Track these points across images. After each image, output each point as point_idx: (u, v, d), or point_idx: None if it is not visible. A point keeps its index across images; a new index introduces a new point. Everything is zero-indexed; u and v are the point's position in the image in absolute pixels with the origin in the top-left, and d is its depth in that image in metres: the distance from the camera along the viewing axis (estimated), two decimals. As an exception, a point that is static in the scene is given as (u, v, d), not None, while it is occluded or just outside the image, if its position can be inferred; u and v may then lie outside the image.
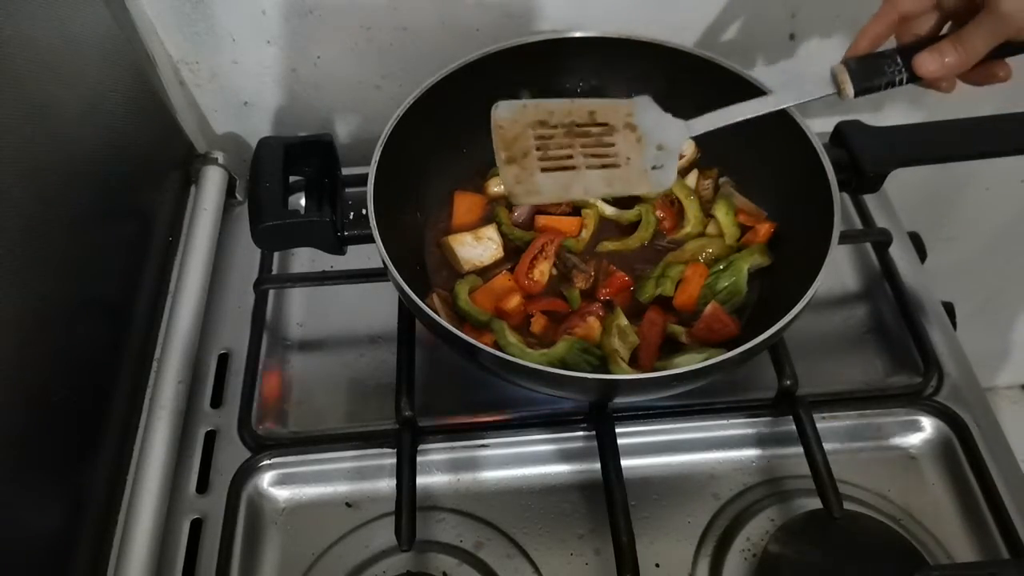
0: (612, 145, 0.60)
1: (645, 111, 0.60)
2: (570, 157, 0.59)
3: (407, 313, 0.73)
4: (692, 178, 0.76)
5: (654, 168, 0.59)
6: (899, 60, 0.56)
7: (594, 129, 0.60)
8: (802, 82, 0.59)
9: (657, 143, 0.60)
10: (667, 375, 0.58)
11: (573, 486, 0.69)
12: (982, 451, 0.68)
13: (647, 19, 0.84)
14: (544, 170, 0.59)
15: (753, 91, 0.68)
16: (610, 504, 0.63)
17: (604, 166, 0.59)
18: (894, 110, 0.97)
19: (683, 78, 0.72)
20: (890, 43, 0.59)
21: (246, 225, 0.66)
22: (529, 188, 0.59)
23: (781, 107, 0.60)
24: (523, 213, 0.76)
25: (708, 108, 0.60)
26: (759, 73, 0.87)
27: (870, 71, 0.57)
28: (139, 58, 0.82)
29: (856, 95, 0.57)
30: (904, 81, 0.57)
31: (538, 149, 0.59)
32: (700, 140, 0.72)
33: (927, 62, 0.55)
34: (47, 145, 0.64)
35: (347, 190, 0.70)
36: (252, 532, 0.67)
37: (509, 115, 0.61)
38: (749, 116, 0.60)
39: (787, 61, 0.92)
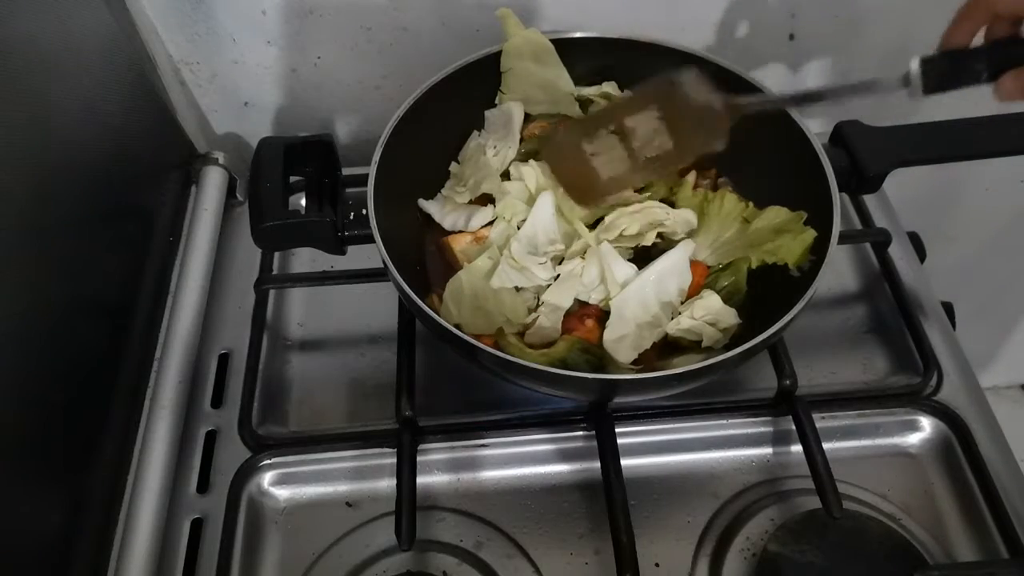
0: (659, 133, 0.64)
1: (691, 86, 0.62)
2: (626, 155, 0.65)
3: (407, 313, 0.73)
4: (690, 178, 0.76)
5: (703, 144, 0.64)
6: (981, 71, 0.53)
7: (643, 121, 0.64)
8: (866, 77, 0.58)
9: (706, 121, 0.62)
10: (667, 375, 0.58)
11: (573, 486, 0.69)
12: (981, 451, 0.68)
13: (647, 19, 0.84)
14: (605, 175, 0.66)
15: (754, 92, 0.68)
16: (610, 504, 0.63)
17: (657, 154, 0.64)
18: (894, 110, 0.97)
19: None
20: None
21: (246, 225, 0.66)
22: (594, 196, 0.68)
23: (828, 99, 0.61)
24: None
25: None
26: (759, 73, 0.88)
27: (947, 74, 0.54)
28: (139, 58, 0.82)
29: (926, 95, 0.55)
30: (981, 83, 0.54)
31: (593, 156, 0.66)
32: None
33: (1010, 91, 0.52)
34: (47, 145, 0.64)
35: (347, 190, 0.70)
36: (252, 532, 0.67)
37: (558, 152, 0.68)
38: (791, 105, 0.65)
39: (787, 61, 0.92)
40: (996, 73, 0.53)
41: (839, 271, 0.83)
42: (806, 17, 0.88)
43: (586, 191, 0.68)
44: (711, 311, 0.66)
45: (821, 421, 0.69)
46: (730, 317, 0.67)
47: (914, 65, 0.55)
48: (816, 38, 0.90)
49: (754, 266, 0.68)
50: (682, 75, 0.63)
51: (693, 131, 0.63)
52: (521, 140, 0.76)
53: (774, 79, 0.92)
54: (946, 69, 0.54)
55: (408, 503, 0.63)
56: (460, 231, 0.73)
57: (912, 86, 0.55)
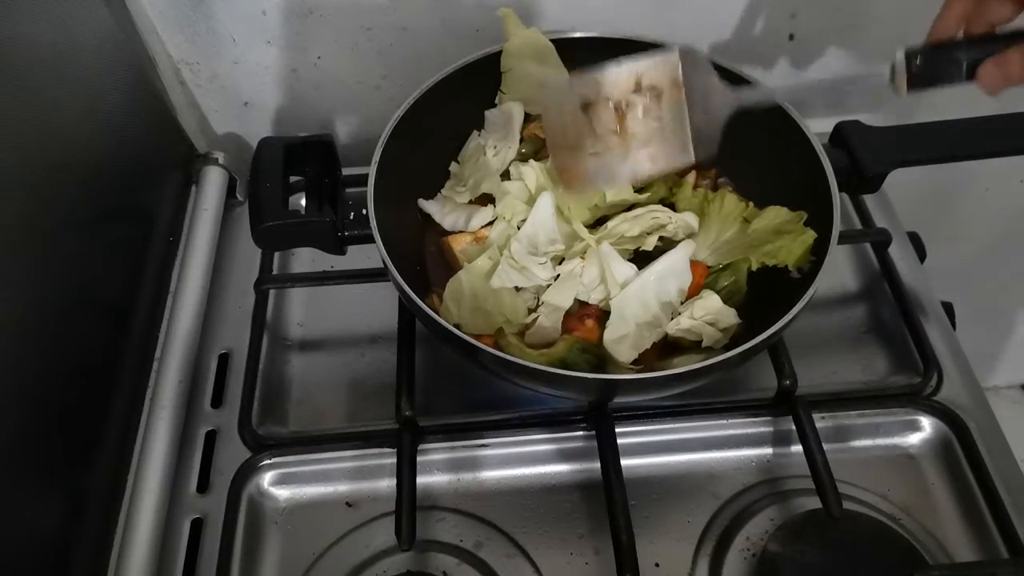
0: (659, 118, 0.59)
1: (694, 69, 0.58)
2: (618, 138, 0.59)
3: (407, 313, 0.73)
4: (690, 178, 0.76)
5: (696, 137, 0.58)
6: (962, 61, 0.54)
7: (641, 100, 0.59)
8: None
9: (703, 108, 0.58)
10: (667, 375, 0.58)
11: (573, 486, 0.69)
12: (981, 451, 0.68)
13: (647, 19, 0.84)
14: (592, 155, 0.60)
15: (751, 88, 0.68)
16: (610, 504, 0.63)
17: (649, 143, 0.59)
18: (894, 110, 0.97)
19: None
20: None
21: (246, 225, 0.66)
22: (579, 178, 0.61)
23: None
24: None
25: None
26: (759, 73, 0.88)
27: (930, 69, 0.55)
28: (139, 58, 0.82)
29: (909, 93, 0.55)
30: (962, 81, 0.54)
31: (588, 135, 0.59)
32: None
33: (991, 77, 0.52)
34: (47, 145, 0.64)
35: (347, 190, 0.70)
36: (252, 532, 0.67)
37: (556, 99, 0.61)
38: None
39: (787, 61, 0.92)
40: (974, 66, 0.53)
41: (839, 271, 0.83)
42: (806, 17, 0.88)
43: (571, 166, 0.63)
44: (711, 311, 0.66)
45: (821, 421, 0.69)
46: (730, 317, 0.67)
47: (899, 56, 0.55)
48: (816, 38, 0.90)
49: (754, 268, 0.68)
50: (689, 52, 0.59)
51: (690, 116, 0.59)
52: (521, 140, 0.76)
53: (774, 79, 0.92)
54: (929, 60, 0.55)
55: (408, 503, 0.63)
56: (460, 231, 0.73)
57: (896, 78, 0.55)
